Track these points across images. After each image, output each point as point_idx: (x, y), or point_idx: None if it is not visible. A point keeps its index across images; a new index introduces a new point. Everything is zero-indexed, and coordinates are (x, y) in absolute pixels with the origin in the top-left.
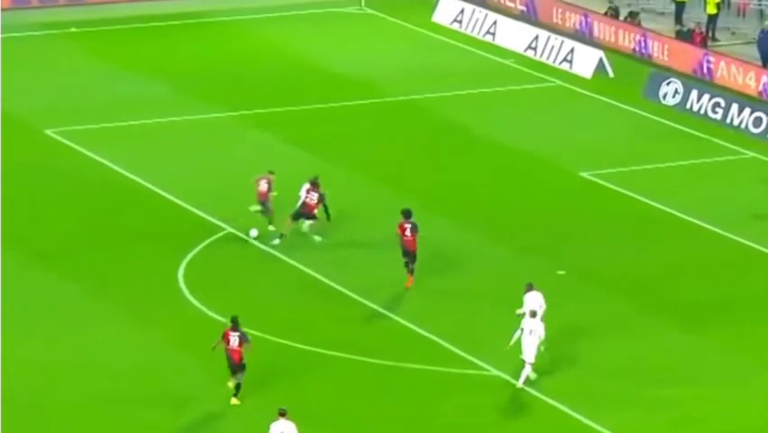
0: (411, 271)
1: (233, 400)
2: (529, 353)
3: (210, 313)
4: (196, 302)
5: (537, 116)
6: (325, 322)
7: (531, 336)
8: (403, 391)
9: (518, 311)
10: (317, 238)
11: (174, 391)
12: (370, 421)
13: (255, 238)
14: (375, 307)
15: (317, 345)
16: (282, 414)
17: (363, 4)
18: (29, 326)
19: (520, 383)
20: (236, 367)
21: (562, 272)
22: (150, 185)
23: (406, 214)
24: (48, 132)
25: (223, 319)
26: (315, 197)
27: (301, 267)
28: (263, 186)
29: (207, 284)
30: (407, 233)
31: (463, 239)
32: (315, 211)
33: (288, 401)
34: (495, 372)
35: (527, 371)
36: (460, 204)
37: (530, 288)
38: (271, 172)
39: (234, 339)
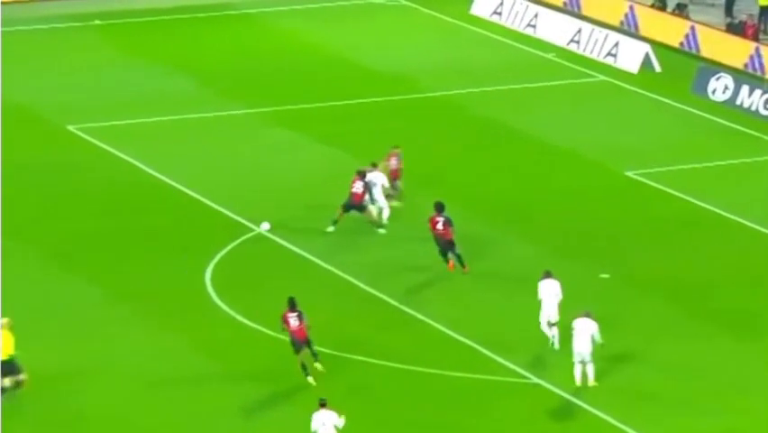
0: (459, 259)
1: (318, 366)
2: (585, 352)
3: (239, 318)
4: (224, 306)
5: (580, 113)
6: (361, 328)
7: (583, 336)
8: (441, 399)
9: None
10: (381, 231)
11: (199, 400)
12: (408, 430)
13: (268, 231)
14: (412, 312)
15: (352, 351)
16: (323, 405)
17: None
18: (49, 329)
19: (591, 380)
20: (303, 345)
21: (605, 276)
22: (176, 183)
23: (439, 207)
24: (70, 128)
25: (252, 325)
26: (360, 186)
27: (335, 270)
28: (393, 163)
29: (236, 287)
30: (439, 226)
31: (503, 241)
32: (365, 200)
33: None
34: (535, 379)
35: (590, 370)
36: (499, 205)
37: (547, 275)
38: (397, 147)
39: (294, 320)
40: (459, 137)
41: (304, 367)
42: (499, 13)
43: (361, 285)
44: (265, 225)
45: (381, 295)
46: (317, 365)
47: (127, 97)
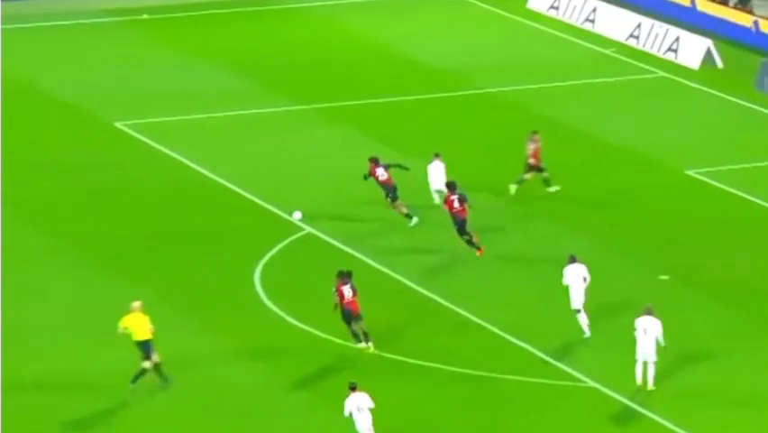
0: (473, 243)
1: (367, 346)
2: (649, 352)
3: (289, 319)
4: (274, 308)
5: (640, 110)
6: (415, 330)
7: (647, 336)
8: (497, 403)
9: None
10: (414, 220)
11: (248, 404)
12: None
13: (300, 220)
14: (468, 315)
15: (407, 354)
16: (353, 388)
17: None
18: (94, 329)
19: (651, 384)
20: (355, 317)
21: (665, 277)
22: (224, 180)
23: (452, 186)
24: (118, 125)
25: (301, 325)
26: (382, 171)
27: (388, 272)
28: (532, 146)
29: (285, 287)
30: (456, 204)
31: (559, 241)
32: (393, 182)
33: (378, 413)
34: (591, 383)
35: (651, 373)
36: (555, 203)
37: (572, 260)
38: (535, 132)
39: (348, 291)
40: (514, 134)
41: (356, 335)
42: (557, 8)
43: (413, 285)
44: (297, 215)
45: (433, 296)
46: (370, 345)
47: (175, 94)
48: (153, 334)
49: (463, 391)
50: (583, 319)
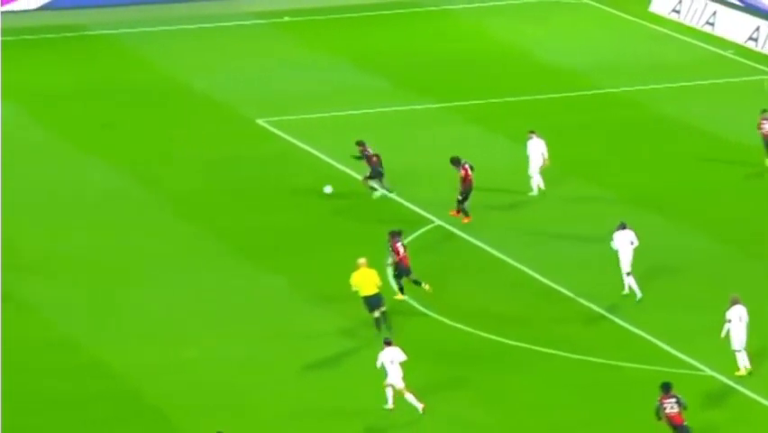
0: (417, 282)
1: (425, 285)
2: (739, 340)
3: (420, 308)
4: (404, 296)
5: (758, 111)
6: (539, 319)
7: (740, 324)
8: (618, 390)
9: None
10: (385, 192)
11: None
12: (583, 419)
13: (330, 193)
14: (589, 305)
15: (531, 341)
16: (388, 343)
17: None
18: (237, 316)
19: (743, 370)
20: (407, 271)
21: None
22: (359, 175)
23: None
24: (259, 121)
25: (432, 314)
26: (371, 151)
27: (513, 263)
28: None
29: (418, 277)
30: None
31: (680, 239)
32: (375, 163)
33: (502, 397)
34: (709, 372)
35: (743, 359)
36: (675, 202)
37: (622, 226)
38: (765, 110)
39: (401, 248)
40: (635, 132)
41: (416, 282)
42: (678, 11)
43: (536, 276)
44: (328, 189)
45: (557, 286)
46: (426, 285)
47: (314, 92)
48: (379, 288)
49: (586, 378)
50: (632, 282)
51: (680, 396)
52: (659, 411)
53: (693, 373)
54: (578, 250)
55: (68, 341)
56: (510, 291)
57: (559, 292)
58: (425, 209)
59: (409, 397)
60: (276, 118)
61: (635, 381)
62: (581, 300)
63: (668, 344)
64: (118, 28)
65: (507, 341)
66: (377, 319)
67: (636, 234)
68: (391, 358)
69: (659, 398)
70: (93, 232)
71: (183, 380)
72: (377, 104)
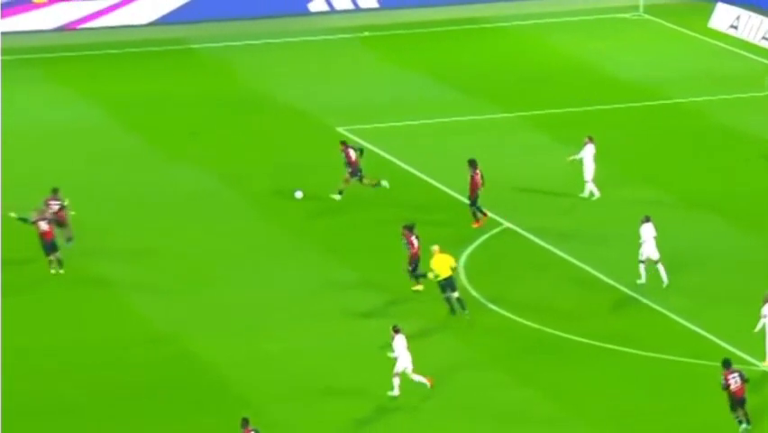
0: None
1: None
2: None
3: (489, 305)
4: (474, 293)
5: None
6: (598, 315)
7: None
8: (674, 384)
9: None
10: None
11: (452, 381)
12: (642, 411)
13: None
14: (646, 301)
15: (590, 336)
16: (397, 331)
17: (642, 9)
18: (316, 308)
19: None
20: (419, 262)
21: None
22: (432, 179)
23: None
24: (339, 129)
25: (502, 311)
26: (351, 152)
27: (576, 262)
28: None
29: (486, 277)
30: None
31: (729, 237)
32: (359, 164)
33: (567, 391)
34: (762, 366)
35: None
36: (723, 201)
37: (647, 219)
38: None
39: (416, 241)
40: (696, 142)
41: (417, 278)
42: (736, 27)
43: (599, 275)
44: (298, 194)
45: (616, 284)
46: (430, 274)
47: (391, 102)
48: (454, 270)
49: (646, 372)
50: (661, 268)
51: (742, 370)
52: (724, 385)
53: (746, 367)
54: (632, 250)
55: (160, 335)
56: (573, 288)
57: (619, 290)
58: (493, 212)
59: (416, 377)
60: (355, 126)
61: (694, 375)
62: (641, 298)
63: (725, 340)
64: (207, 42)
65: (569, 336)
66: (448, 299)
67: (656, 226)
68: (406, 345)
69: (723, 373)
70: (182, 231)
71: (266, 370)
72: (448, 113)
